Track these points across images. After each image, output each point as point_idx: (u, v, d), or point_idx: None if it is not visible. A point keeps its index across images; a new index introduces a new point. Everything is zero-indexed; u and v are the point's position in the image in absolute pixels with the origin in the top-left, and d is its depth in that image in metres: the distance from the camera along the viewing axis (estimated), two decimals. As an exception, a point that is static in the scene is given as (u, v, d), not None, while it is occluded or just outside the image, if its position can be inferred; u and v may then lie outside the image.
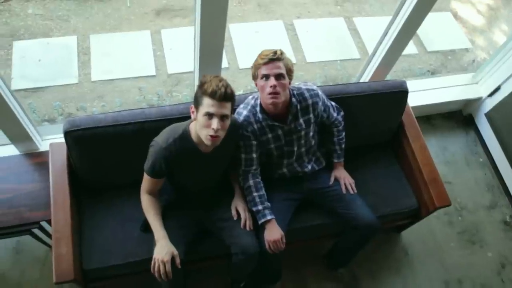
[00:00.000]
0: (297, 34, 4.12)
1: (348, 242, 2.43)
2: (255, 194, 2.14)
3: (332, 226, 2.39)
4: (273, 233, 2.09)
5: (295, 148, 2.19)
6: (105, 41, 3.75)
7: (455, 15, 4.67)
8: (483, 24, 4.71)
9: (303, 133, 2.15)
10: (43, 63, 3.52)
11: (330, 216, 2.34)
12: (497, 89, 3.25)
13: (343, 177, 2.36)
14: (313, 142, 2.25)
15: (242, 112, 2.10)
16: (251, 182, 2.15)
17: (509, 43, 3.13)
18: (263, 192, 2.16)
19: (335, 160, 2.39)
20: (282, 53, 1.93)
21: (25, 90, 3.36)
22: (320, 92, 2.17)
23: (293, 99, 2.08)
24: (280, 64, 1.92)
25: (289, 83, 2.01)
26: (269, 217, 2.11)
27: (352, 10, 4.44)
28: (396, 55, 2.78)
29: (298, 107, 2.10)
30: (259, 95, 2.05)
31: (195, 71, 2.44)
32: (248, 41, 3.97)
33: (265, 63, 1.92)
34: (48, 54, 3.57)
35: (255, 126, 2.08)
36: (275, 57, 1.91)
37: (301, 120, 2.12)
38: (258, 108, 2.07)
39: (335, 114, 2.29)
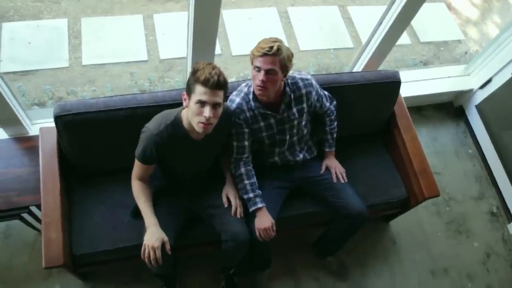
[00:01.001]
0: (291, 21, 4.09)
1: (338, 231, 2.45)
2: (246, 182, 2.14)
3: (322, 214, 2.41)
4: (264, 221, 2.10)
5: (287, 137, 2.19)
6: (96, 25, 3.69)
7: (449, 6, 4.67)
8: (476, 16, 4.72)
9: (295, 122, 2.15)
10: (33, 45, 3.46)
11: (320, 204, 2.36)
12: (489, 81, 3.27)
13: (334, 166, 2.37)
14: (305, 131, 2.26)
15: (235, 99, 2.09)
16: (242, 169, 2.15)
17: (502, 36, 3.15)
18: (254, 180, 2.17)
19: (327, 149, 2.40)
20: (279, 48, 1.88)
21: (14, 73, 3.31)
22: (314, 82, 2.17)
23: (287, 88, 2.07)
24: (275, 59, 1.89)
25: (284, 77, 1.99)
26: (260, 205, 2.12)
27: (347, -1, 4.42)
28: (389, 45, 2.78)
29: (292, 96, 2.10)
30: (252, 82, 2.04)
31: (188, 57, 2.42)
32: (241, 28, 3.94)
33: (259, 56, 1.90)
34: (38, 37, 3.51)
35: (248, 114, 2.08)
36: (269, 53, 1.87)
37: (294, 110, 2.12)
38: (251, 96, 2.07)
39: (328, 104, 2.29)
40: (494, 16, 4.77)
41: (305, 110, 2.16)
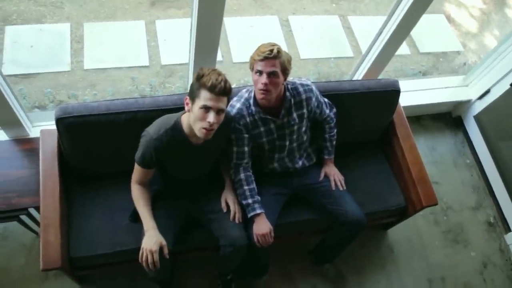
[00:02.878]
0: (291, 30, 4.13)
1: (335, 238, 2.45)
2: (245, 187, 2.15)
3: (320, 221, 2.41)
4: (262, 227, 2.10)
5: (287, 143, 2.21)
6: (98, 30, 3.72)
7: (448, 18, 4.72)
8: (475, 28, 4.76)
9: (295, 127, 2.17)
10: (35, 49, 3.48)
11: (319, 212, 2.37)
12: (487, 92, 3.30)
13: (333, 174, 2.38)
14: (305, 137, 2.27)
15: (235, 105, 2.10)
16: (242, 175, 2.16)
17: (500, 48, 3.18)
18: (253, 185, 2.18)
19: (326, 157, 2.41)
20: (279, 51, 1.92)
21: (16, 75, 3.32)
22: (314, 88, 2.18)
23: (287, 94, 2.09)
24: (276, 62, 1.92)
25: (284, 80, 2.01)
26: (258, 211, 2.13)
27: (347, 9, 4.46)
28: (389, 55, 2.80)
29: (292, 101, 2.11)
30: (253, 88, 2.05)
31: (190, 63, 2.44)
32: (242, 35, 3.97)
33: (260, 60, 1.92)
34: (40, 41, 3.54)
35: (248, 119, 2.09)
36: (270, 56, 1.90)
37: (294, 115, 2.13)
38: (251, 101, 2.08)
39: (327, 111, 2.30)
40: (493, 29, 4.82)
41: (305, 116, 2.17)
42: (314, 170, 2.40)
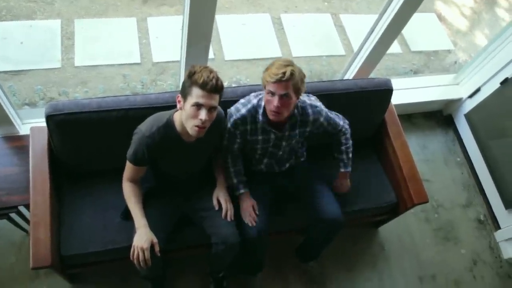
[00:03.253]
0: (283, 28, 4.12)
1: (315, 236, 2.44)
2: (231, 169, 2.19)
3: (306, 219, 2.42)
4: (246, 204, 2.16)
5: (280, 152, 2.21)
6: (90, 26, 3.69)
7: (439, 17, 4.74)
8: (466, 27, 4.80)
9: (293, 141, 2.18)
10: (25, 45, 3.44)
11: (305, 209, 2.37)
12: (477, 90, 3.32)
13: (343, 190, 2.41)
14: (298, 146, 2.29)
15: (241, 109, 2.07)
16: (229, 157, 2.18)
17: (490, 46, 3.21)
18: (240, 167, 2.21)
19: (342, 170, 2.36)
20: (292, 73, 1.85)
21: (6, 72, 3.29)
22: (322, 108, 2.17)
23: (296, 111, 2.07)
24: (289, 84, 1.86)
25: (297, 99, 1.97)
26: (242, 191, 2.18)
27: (339, 7, 4.46)
28: (381, 54, 2.81)
29: (298, 119, 2.10)
30: (264, 95, 2.01)
31: (181, 60, 2.43)
32: (234, 33, 3.96)
33: (273, 82, 1.88)
34: (30, 37, 3.50)
35: (249, 127, 2.08)
36: (283, 79, 1.85)
37: (297, 131, 2.13)
38: (260, 110, 2.05)
39: (341, 122, 2.27)
40: (483, 27, 4.85)
41: (307, 134, 2.18)
42: (300, 171, 2.38)
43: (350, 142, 2.36)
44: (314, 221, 2.33)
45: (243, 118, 2.06)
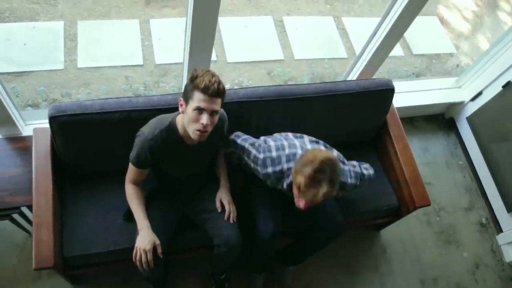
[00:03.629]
0: (286, 30, 4.13)
1: (311, 242, 2.37)
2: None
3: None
4: None
5: None
6: (92, 28, 3.70)
7: (442, 20, 4.75)
8: (468, 30, 4.80)
9: None
10: (28, 47, 3.45)
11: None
12: (479, 94, 3.32)
13: None
14: None
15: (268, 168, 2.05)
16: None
17: (492, 50, 3.21)
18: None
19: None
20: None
21: (9, 73, 3.29)
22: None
23: None
24: None
25: None
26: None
27: (341, 10, 4.47)
28: (383, 56, 2.82)
29: None
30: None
31: (184, 62, 2.43)
32: (237, 36, 3.97)
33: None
34: (33, 38, 3.51)
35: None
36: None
37: None
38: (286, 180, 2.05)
39: (351, 181, 2.19)
40: (485, 31, 4.85)
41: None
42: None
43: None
44: (315, 226, 2.30)
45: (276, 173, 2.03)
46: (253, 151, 2.07)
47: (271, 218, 2.16)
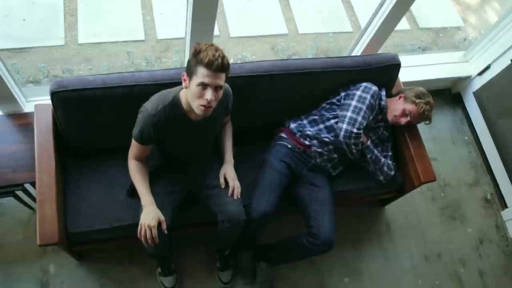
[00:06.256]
0: (289, 4, 4.05)
1: (294, 245, 2.34)
2: None
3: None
4: None
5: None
6: (92, 3, 3.63)
7: (449, -8, 4.64)
8: (475, 3, 4.69)
9: None
10: (27, 22, 3.40)
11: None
12: (487, 68, 3.26)
13: None
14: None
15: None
16: None
17: (501, 23, 3.13)
18: None
19: None
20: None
21: (9, 50, 3.26)
22: None
23: None
24: None
25: None
26: None
27: (347, -17, 4.37)
28: (389, 30, 2.76)
29: None
30: None
31: (186, 37, 2.39)
32: (240, 10, 3.89)
33: None
34: (33, 14, 3.45)
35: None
36: None
37: None
38: None
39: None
40: (494, 3, 4.74)
41: None
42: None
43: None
44: (308, 236, 2.25)
45: None
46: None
47: (264, 200, 2.17)
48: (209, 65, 1.66)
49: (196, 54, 1.69)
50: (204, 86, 1.70)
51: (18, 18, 3.40)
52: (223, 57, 1.70)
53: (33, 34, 3.36)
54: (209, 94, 1.71)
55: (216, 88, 1.73)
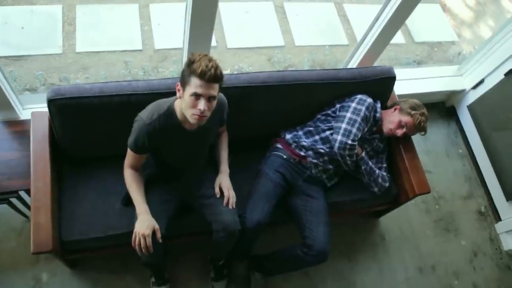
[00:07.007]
0: (287, 16, 4.09)
1: (290, 255, 2.33)
2: None
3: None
4: None
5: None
6: (91, 12, 3.66)
7: (444, 8, 4.71)
8: (470, 18, 4.76)
9: None
10: (26, 31, 3.42)
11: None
12: (481, 82, 3.30)
13: None
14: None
15: None
16: None
17: (495, 38, 3.18)
18: None
19: None
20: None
21: (6, 57, 3.27)
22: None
23: None
24: None
25: None
26: None
27: (343, -4, 4.43)
28: (384, 44, 2.79)
29: None
30: None
31: (184, 47, 2.41)
32: (237, 21, 3.93)
33: None
34: (31, 22, 3.47)
35: None
36: None
37: None
38: None
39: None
40: (488, 19, 4.82)
41: None
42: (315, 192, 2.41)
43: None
44: (302, 246, 2.25)
45: None
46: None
47: (258, 210, 2.17)
48: (202, 76, 1.68)
49: (189, 64, 1.70)
50: (197, 96, 1.71)
51: (16, 26, 3.42)
52: (216, 67, 1.71)
53: (31, 42, 3.38)
54: (202, 104, 1.72)
55: (209, 99, 1.74)
